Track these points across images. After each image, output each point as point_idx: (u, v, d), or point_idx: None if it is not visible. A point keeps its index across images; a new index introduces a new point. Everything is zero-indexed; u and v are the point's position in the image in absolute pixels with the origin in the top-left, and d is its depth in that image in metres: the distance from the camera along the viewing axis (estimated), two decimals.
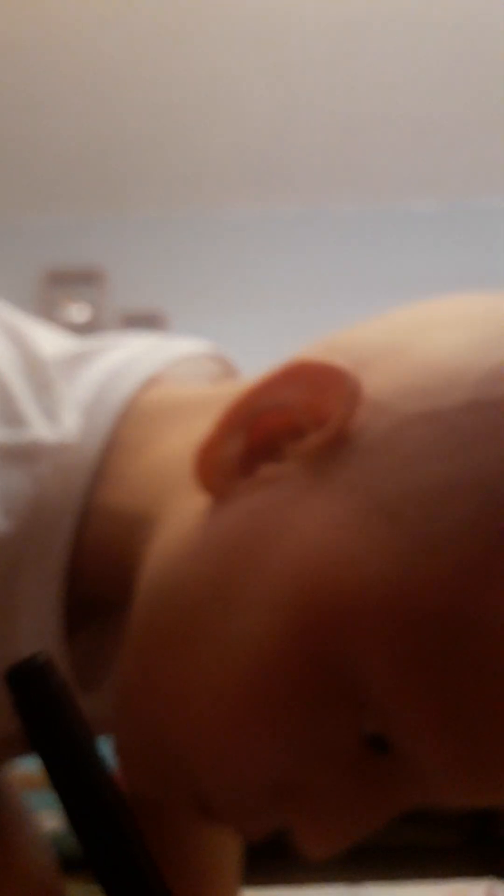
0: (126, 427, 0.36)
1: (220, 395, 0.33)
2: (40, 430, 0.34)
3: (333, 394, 0.29)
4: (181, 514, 0.32)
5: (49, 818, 1.44)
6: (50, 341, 0.39)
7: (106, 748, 0.31)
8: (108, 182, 2.90)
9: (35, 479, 0.33)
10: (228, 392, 0.32)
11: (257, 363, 0.33)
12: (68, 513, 0.34)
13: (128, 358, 0.38)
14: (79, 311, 3.06)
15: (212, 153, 2.80)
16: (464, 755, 0.26)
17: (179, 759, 0.31)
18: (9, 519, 0.32)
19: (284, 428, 0.30)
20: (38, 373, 0.35)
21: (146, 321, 3.04)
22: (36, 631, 0.35)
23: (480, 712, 0.25)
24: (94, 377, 0.36)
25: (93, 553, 0.35)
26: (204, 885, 0.49)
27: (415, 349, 0.29)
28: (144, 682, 0.31)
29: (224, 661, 0.28)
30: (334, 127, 2.74)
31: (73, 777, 0.26)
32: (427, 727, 0.26)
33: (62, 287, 3.14)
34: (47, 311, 3.07)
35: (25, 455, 0.33)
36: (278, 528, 0.28)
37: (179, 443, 0.34)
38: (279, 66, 2.49)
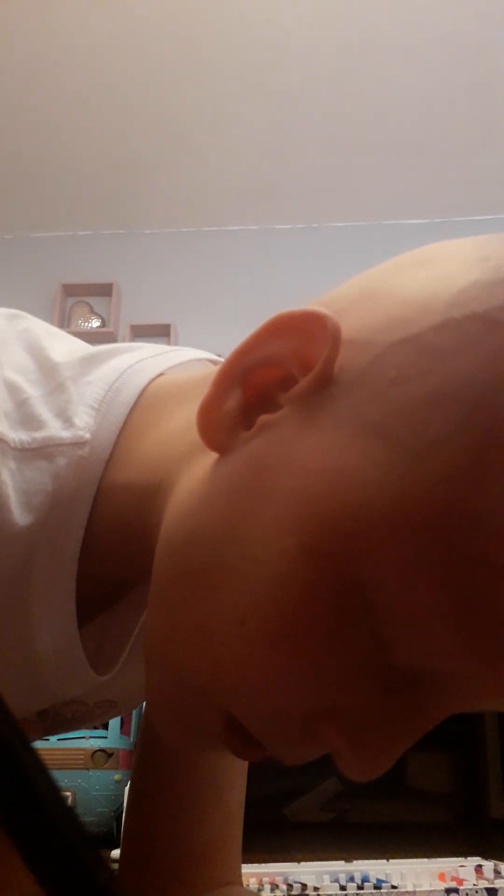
0: (134, 416, 0.36)
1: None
2: (55, 430, 0.34)
3: (317, 339, 0.29)
4: (191, 475, 0.32)
5: None
6: (64, 345, 0.39)
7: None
8: (119, 201, 2.91)
9: (53, 475, 0.33)
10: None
11: None
12: (82, 502, 0.34)
13: (137, 359, 0.39)
14: (92, 323, 3.06)
15: (216, 174, 2.81)
16: (483, 651, 0.25)
17: (211, 697, 0.30)
18: (29, 513, 0.33)
19: (276, 379, 0.31)
20: (52, 376, 0.36)
21: (155, 331, 3.05)
22: (50, 615, 0.35)
23: (493, 605, 0.25)
24: (106, 376, 0.37)
25: (107, 530, 0.35)
26: (206, 861, 0.48)
27: (388, 289, 0.30)
28: (169, 624, 0.31)
29: (243, 593, 0.28)
30: (331, 149, 2.74)
31: None
32: (443, 629, 0.25)
33: (76, 300, 3.14)
34: (62, 322, 3.07)
35: (43, 454, 0.33)
36: (279, 465, 0.29)
37: (184, 418, 0.35)
38: (278, 94, 2.49)
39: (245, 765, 0.51)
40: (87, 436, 0.34)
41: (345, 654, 0.27)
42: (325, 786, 1.67)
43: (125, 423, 0.36)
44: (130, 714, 1.46)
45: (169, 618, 0.31)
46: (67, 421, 0.34)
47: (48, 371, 0.36)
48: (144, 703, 0.51)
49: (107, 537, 0.35)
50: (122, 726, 1.43)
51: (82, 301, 3.10)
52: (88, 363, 0.37)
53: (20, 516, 0.32)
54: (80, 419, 0.34)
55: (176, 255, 3.07)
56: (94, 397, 0.35)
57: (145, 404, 0.37)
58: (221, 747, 0.32)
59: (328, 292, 0.33)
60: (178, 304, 3.04)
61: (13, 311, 0.40)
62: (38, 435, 0.33)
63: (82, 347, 0.40)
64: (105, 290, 3.06)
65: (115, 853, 1.16)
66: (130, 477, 0.35)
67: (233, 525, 0.29)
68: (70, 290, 3.05)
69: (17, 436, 0.33)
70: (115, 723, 1.41)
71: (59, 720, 0.45)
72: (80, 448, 0.34)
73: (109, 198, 2.88)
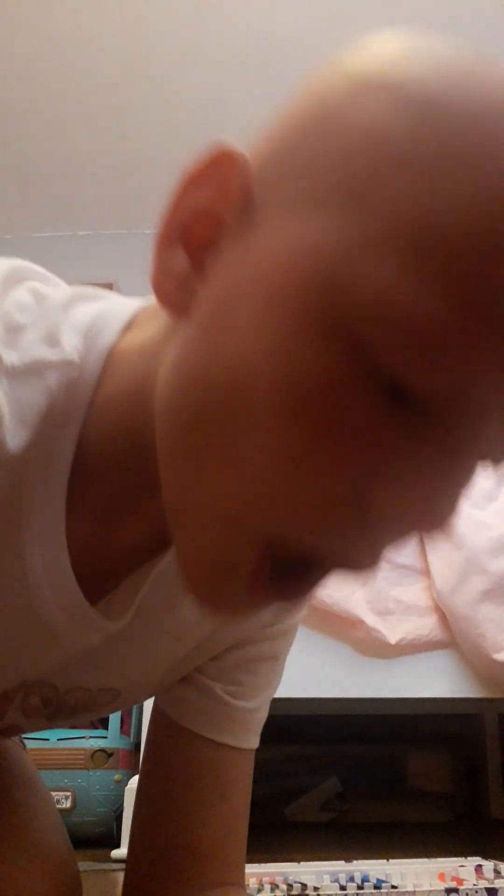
0: (120, 340, 0.37)
1: None
2: (42, 351, 0.35)
3: (227, 169, 0.31)
4: (170, 353, 0.33)
5: (61, 796, 1.43)
6: (61, 286, 0.41)
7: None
8: (118, 202, 2.91)
9: (45, 393, 0.34)
10: None
11: None
12: (73, 419, 0.35)
13: (125, 300, 0.40)
14: None
15: None
16: (478, 331, 0.26)
17: (246, 523, 0.30)
18: (24, 429, 0.33)
19: (211, 228, 0.31)
20: (42, 305, 0.37)
21: None
22: (40, 531, 0.35)
23: (480, 283, 0.26)
24: (96, 307, 0.38)
25: (105, 445, 0.36)
26: (209, 860, 0.48)
27: (274, 120, 0.32)
28: (189, 471, 0.31)
29: (247, 399, 0.28)
30: None
31: None
32: (436, 330, 0.26)
33: None
34: None
35: (33, 372, 0.34)
36: (238, 283, 0.29)
37: (159, 326, 0.35)
38: (277, 94, 2.49)
39: (250, 766, 0.51)
40: (76, 357, 0.35)
41: (362, 418, 0.27)
42: (325, 786, 1.68)
43: (114, 346, 0.36)
44: (130, 714, 1.46)
45: (188, 465, 0.31)
46: (55, 342, 0.35)
47: (39, 301, 0.37)
48: (153, 700, 0.52)
49: (105, 449, 0.36)
50: (122, 726, 1.43)
51: None
52: (80, 297, 0.38)
53: (15, 434, 0.33)
54: (68, 341, 0.35)
55: None
56: (83, 322, 0.37)
57: (130, 328, 0.37)
58: (253, 596, 0.31)
59: None
60: None
61: (16, 261, 0.41)
62: (27, 357, 0.34)
63: (76, 288, 0.41)
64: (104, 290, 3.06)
65: (116, 852, 1.16)
66: (118, 387, 0.35)
67: (215, 349, 0.30)
68: None
69: (9, 357, 0.34)
70: (115, 723, 1.42)
71: (63, 707, 0.45)
72: (68, 368, 0.35)
73: (110, 199, 2.88)
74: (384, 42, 0.31)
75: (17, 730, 0.47)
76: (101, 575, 0.39)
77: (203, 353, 0.30)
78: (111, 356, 0.36)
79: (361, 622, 1.16)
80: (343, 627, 1.17)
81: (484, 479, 1.27)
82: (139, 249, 2.81)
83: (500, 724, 1.74)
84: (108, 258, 3.07)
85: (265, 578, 0.31)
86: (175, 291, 0.32)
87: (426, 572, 1.22)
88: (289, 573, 0.31)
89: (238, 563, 0.31)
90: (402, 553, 1.22)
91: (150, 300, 0.39)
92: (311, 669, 1.16)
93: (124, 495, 0.37)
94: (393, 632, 1.17)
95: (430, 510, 0.28)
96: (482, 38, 2.34)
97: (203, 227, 0.32)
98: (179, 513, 0.33)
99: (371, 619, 1.17)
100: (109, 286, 3.05)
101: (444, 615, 1.19)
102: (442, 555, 1.20)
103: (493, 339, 0.26)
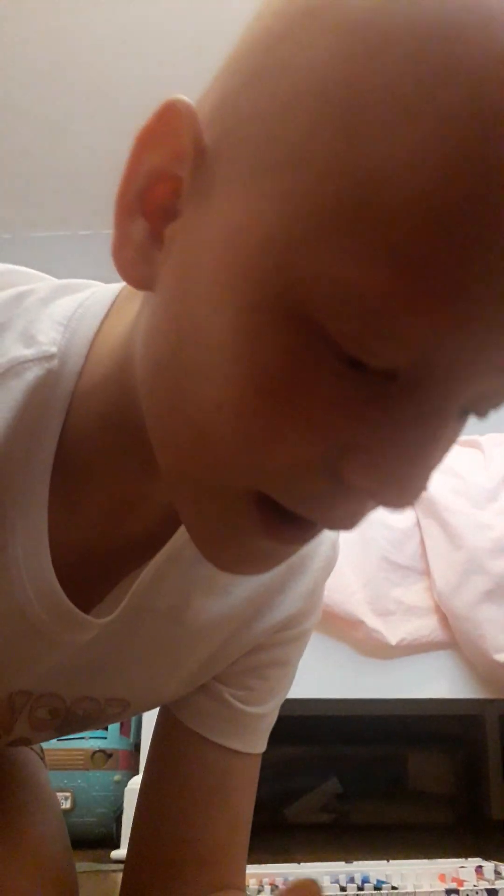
0: (103, 328, 0.36)
1: None
2: (16, 350, 0.34)
3: (177, 127, 0.29)
4: (141, 327, 0.33)
5: (61, 797, 1.43)
6: (39, 282, 0.40)
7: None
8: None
9: (24, 391, 0.34)
10: None
11: None
12: (54, 410, 0.35)
13: (108, 287, 0.39)
14: None
15: None
16: (447, 312, 0.25)
17: (233, 482, 0.30)
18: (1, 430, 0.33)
19: (168, 190, 0.30)
20: (17, 302, 0.36)
21: None
22: (24, 528, 0.35)
23: (417, 251, 0.24)
24: (78, 297, 0.37)
25: (91, 434, 0.35)
26: (210, 864, 0.48)
27: (223, 67, 0.30)
28: (172, 444, 0.32)
29: (212, 379, 0.28)
30: None
31: None
32: (388, 299, 0.25)
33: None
34: None
35: (12, 374, 0.34)
36: (197, 255, 0.29)
37: (136, 308, 0.34)
38: None
39: (256, 771, 0.51)
40: (53, 349, 0.34)
41: (326, 391, 0.27)
42: (325, 787, 1.68)
43: (96, 335, 0.36)
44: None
45: (168, 438, 0.32)
46: (30, 339, 0.35)
47: (15, 298, 0.36)
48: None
49: (90, 437, 0.35)
50: (121, 727, 1.43)
51: None
52: (62, 289, 0.38)
53: None
54: (45, 335, 0.35)
55: None
56: (62, 314, 0.36)
57: (112, 314, 0.37)
58: (263, 541, 0.31)
59: None
60: None
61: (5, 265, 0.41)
62: (3, 359, 0.34)
63: (60, 281, 0.40)
64: None
65: (115, 853, 1.17)
66: (100, 372, 0.35)
67: (179, 330, 0.29)
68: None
69: None
70: (114, 724, 1.42)
71: (71, 718, 0.45)
72: (47, 362, 0.34)
73: (110, 197, 2.88)
74: None
75: (25, 742, 0.46)
76: (97, 576, 0.38)
77: (168, 333, 0.30)
78: (94, 344, 0.35)
79: (362, 623, 1.16)
80: (343, 628, 1.17)
81: (485, 480, 1.27)
82: None
83: (500, 725, 1.74)
84: (108, 258, 3.07)
85: (270, 520, 0.30)
86: (137, 263, 0.31)
87: (427, 573, 1.22)
88: (287, 519, 0.31)
89: (239, 519, 0.31)
90: (403, 554, 1.22)
91: None
92: (311, 670, 1.16)
93: (117, 484, 0.37)
94: (393, 632, 1.17)
95: (403, 478, 0.28)
96: None
97: (160, 190, 0.30)
98: (175, 480, 0.32)
99: (371, 620, 1.17)
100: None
101: (444, 616, 1.19)
102: (442, 555, 1.20)
103: (444, 305, 0.25)
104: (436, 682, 1.20)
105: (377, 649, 1.17)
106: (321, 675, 1.17)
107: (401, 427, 0.27)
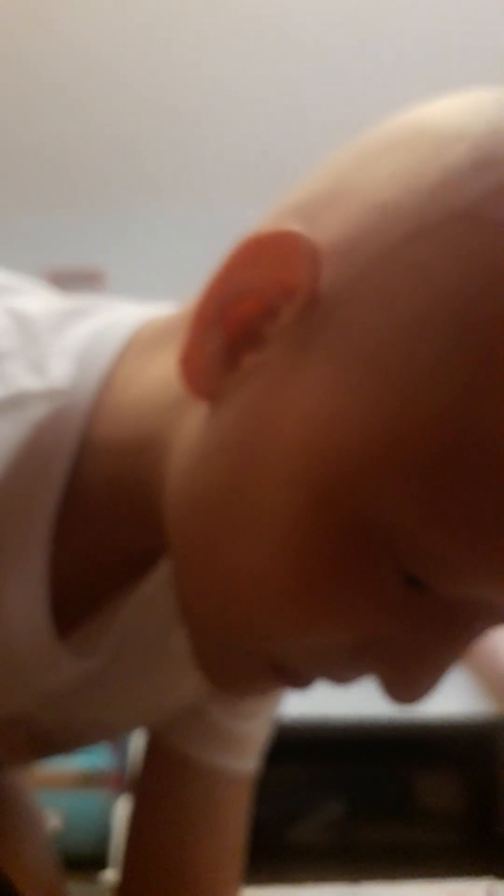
0: (120, 366, 0.35)
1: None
2: (25, 382, 0.33)
3: (292, 261, 0.27)
4: (185, 430, 0.31)
5: (49, 817, 1.43)
6: (42, 301, 0.38)
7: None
8: (107, 185, 2.90)
9: (31, 425, 0.33)
10: None
11: None
12: (62, 454, 0.33)
13: (122, 313, 0.38)
14: None
15: (211, 156, 2.81)
16: (500, 565, 0.26)
17: (251, 646, 0.31)
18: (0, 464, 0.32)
19: (258, 310, 0.29)
20: (26, 330, 0.35)
21: None
22: (20, 567, 0.34)
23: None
24: (89, 328, 0.36)
25: (97, 488, 0.34)
26: (202, 885, 0.49)
27: (357, 188, 0.28)
28: (194, 588, 0.32)
29: (257, 551, 0.28)
30: (333, 130, 2.74)
31: None
32: (464, 560, 0.25)
33: (63, 287, 3.13)
34: None
35: (16, 405, 0.32)
36: (274, 413, 0.28)
37: (165, 366, 0.33)
38: (279, 71, 2.49)
39: (248, 789, 0.51)
40: (65, 385, 0.33)
41: (373, 593, 0.27)
42: (328, 806, 1.67)
43: (111, 374, 0.34)
44: None
45: (192, 583, 0.32)
46: (41, 372, 0.33)
47: (23, 324, 0.35)
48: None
49: (97, 499, 0.35)
50: (111, 746, 1.43)
51: (69, 289, 3.09)
52: (71, 316, 0.36)
53: None
54: (57, 369, 0.33)
55: (167, 240, 3.07)
56: (75, 347, 0.34)
57: (131, 353, 0.35)
58: (273, 685, 0.33)
59: (294, 189, 0.32)
60: (170, 291, 3.03)
61: None
62: (11, 387, 0.33)
63: (64, 301, 0.39)
64: (93, 278, 3.06)
65: (105, 873, 1.17)
66: (119, 432, 0.34)
67: (235, 483, 0.29)
68: (57, 278, 3.04)
69: None
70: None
71: (51, 742, 0.44)
72: (56, 398, 0.33)
73: (98, 182, 2.87)
74: None
75: (5, 765, 0.46)
76: (75, 603, 0.38)
77: (221, 480, 0.29)
78: (108, 384, 0.34)
79: None
80: None
81: None
82: (127, 235, 2.80)
83: None
84: (95, 243, 3.07)
85: (283, 676, 0.32)
86: (204, 375, 0.30)
87: None
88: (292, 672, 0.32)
89: (253, 673, 0.32)
90: None
91: (149, 311, 0.37)
92: (315, 688, 1.16)
93: (111, 537, 0.36)
94: None
95: (422, 680, 0.29)
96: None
97: (249, 306, 0.29)
98: (191, 620, 0.33)
99: None
100: (100, 273, 3.05)
101: None
102: None
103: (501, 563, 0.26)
104: (445, 698, 1.20)
105: None
106: (325, 692, 1.16)
107: (434, 638, 0.29)
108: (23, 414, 0.33)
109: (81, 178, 2.91)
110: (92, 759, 1.40)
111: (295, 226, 0.28)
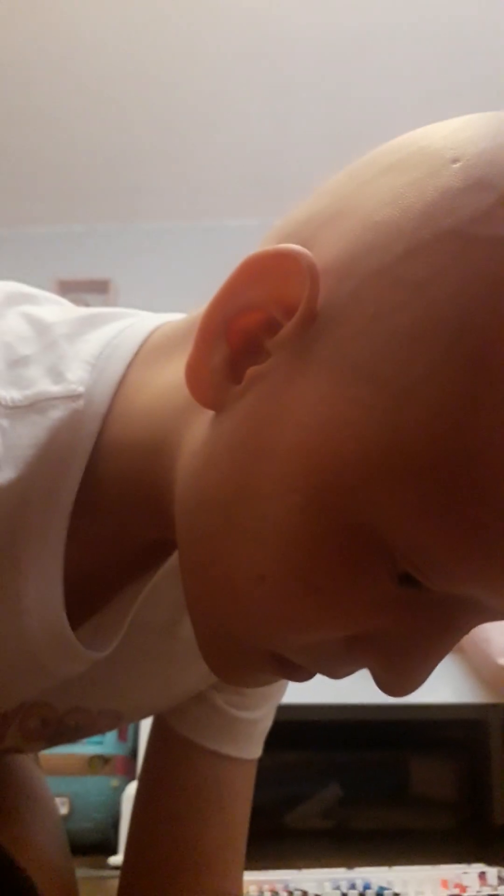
0: (132, 371, 0.36)
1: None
2: (44, 385, 0.34)
3: (293, 278, 0.29)
4: (194, 433, 0.33)
5: (58, 803, 1.43)
6: (57, 308, 0.40)
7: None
8: (115, 195, 2.91)
9: (47, 429, 0.33)
10: None
11: None
12: (78, 454, 0.34)
13: (134, 320, 0.39)
14: None
15: (214, 167, 2.81)
16: (492, 569, 0.26)
17: (252, 642, 0.32)
18: (16, 469, 0.33)
19: (259, 325, 0.30)
20: (45, 335, 0.36)
21: None
22: (38, 567, 0.35)
23: (498, 530, 0.25)
24: (105, 334, 0.37)
25: (110, 487, 0.36)
26: (205, 870, 0.49)
27: (356, 206, 0.29)
28: (197, 585, 0.33)
29: (258, 551, 0.29)
30: (332, 143, 2.75)
31: None
32: (455, 560, 0.26)
33: (71, 295, 3.14)
34: None
35: (35, 409, 0.33)
36: (274, 420, 0.29)
37: (174, 373, 0.34)
38: (277, 86, 2.50)
39: (251, 776, 0.52)
40: (81, 389, 0.34)
41: (369, 592, 0.28)
42: (326, 793, 1.68)
43: (124, 379, 0.36)
44: None
45: (196, 579, 0.33)
46: (59, 376, 0.34)
47: (41, 331, 0.36)
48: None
49: (110, 495, 0.36)
50: (119, 733, 1.44)
51: (77, 297, 3.10)
52: (87, 323, 0.38)
53: (5, 471, 0.32)
54: (74, 374, 0.35)
55: (173, 249, 3.08)
56: (90, 353, 0.36)
57: (143, 359, 0.37)
58: (275, 675, 0.34)
59: (297, 209, 0.33)
60: (176, 299, 3.03)
61: (8, 283, 0.41)
62: (29, 392, 0.34)
63: (80, 309, 0.40)
64: (101, 287, 3.06)
65: (113, 859, 1.17)
66: (132, 434, 0.35)
67: (238, 486, 0.30)
68: (65, 287, 3.05)
69: (9, 394, 0.33)
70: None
71: (63, 729, 0.45)
72: (73, 401, 0.34)
73: (106, 192, 2.88)
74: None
75: (16, 751, 0.48)
76: (88, 594, 0.39)
77: (225, 482, 0.30)
78: (121, 388, 0.36)
79: None
80: None
81: None
82: (134, 244, 2.80)
83: None
84: (103, 252, 3.07)
85: (283, 667, 0.33)
86: (209, 386, 0.31)
87: None
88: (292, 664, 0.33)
89: (254, 665, 0.33)
90: None
91: (159, 318, 0.39)
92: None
93: (122, 532, 0.37)
94: None
95: (414, 673, 0.30)
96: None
97: (251, 319, 0.30)
98: (195, 614, 0.34)
99: None
100: (107, 283, 3.05)
101: None
102: None
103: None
104: (439, 686, 1.20)
105: None
106: (322, 680, 1.17)
107: (427, 633, 0.29)
108: (42, 417, 0.33)
109: (89, 189, 2.91)
110: (100, 745, 1.40)
111: (296, 244, 0.29)
